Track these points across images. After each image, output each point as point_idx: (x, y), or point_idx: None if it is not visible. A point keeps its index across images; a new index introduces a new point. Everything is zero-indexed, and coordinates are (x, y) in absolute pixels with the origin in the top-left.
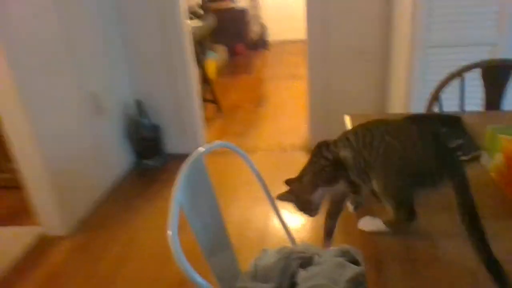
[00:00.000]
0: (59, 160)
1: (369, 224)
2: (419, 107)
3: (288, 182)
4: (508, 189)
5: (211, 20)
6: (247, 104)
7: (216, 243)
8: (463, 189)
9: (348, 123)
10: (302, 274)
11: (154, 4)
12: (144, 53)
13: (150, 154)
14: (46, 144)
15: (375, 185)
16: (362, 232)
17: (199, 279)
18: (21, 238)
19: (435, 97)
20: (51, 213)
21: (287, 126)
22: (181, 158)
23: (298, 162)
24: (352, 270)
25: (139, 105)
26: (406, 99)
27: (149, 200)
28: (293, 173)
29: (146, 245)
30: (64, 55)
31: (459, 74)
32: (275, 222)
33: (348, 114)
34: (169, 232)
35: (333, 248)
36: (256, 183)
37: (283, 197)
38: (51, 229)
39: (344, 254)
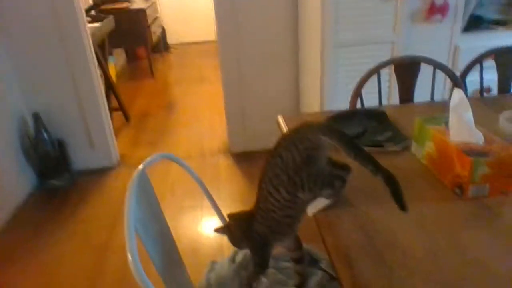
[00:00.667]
0: None
1: (313, 206)
2: (332, 103)
3: (229, 217)
4: (441, 174)
5: (109, 22)
6: (156, 111)
7: (168, 260)
8: (340, 135)
9: (282, 124)
10: (264, 281)
11: (45, 7)
12: (36, 61)
13: (55, 172)
14: None
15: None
16: (324, 230)
17: None
18: None
19: (357, 94)
20: None
21: (203, 130)
22: (92, 173)
23: (219, 166)
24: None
25: (36, 119)
26: (320, 97)
27: (61, 224)
28: (216, 179)
29: (67, 275)
30: None
31: (376, 71)
32: (207, 230)
33: (277, 114)
34: (129, 257)
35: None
36: (178, 193)
37: (219, 231)
38: None
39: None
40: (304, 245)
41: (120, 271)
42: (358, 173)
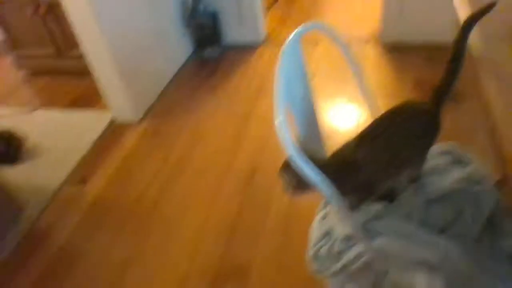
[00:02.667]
0: (123, 45)
1: None
2: None
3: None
4: None
5: None
6: None
7: (312, 133)
8: None
9: (463, 8)
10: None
11: None
12: None
13: (208, 43)
14: (109, 27)
15: None
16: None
17: (308, 168)
18: (95, 122)
19: None
20: (120, 99)
21: (354, 14)
22: (240, 48)
23: (367, 55)
24: (459, 170)
25: None
26: None
27: (212, 91)
28: (362, 67)
29: (213, 134)
30: None
31: None
32: (348, 117)
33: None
34: (277, 121)
35: (434, 147)
36: (321, 75)
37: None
38: (122, 115)
39: (446, 153)
40: (449, 142)
41: (260, 138)
42: None
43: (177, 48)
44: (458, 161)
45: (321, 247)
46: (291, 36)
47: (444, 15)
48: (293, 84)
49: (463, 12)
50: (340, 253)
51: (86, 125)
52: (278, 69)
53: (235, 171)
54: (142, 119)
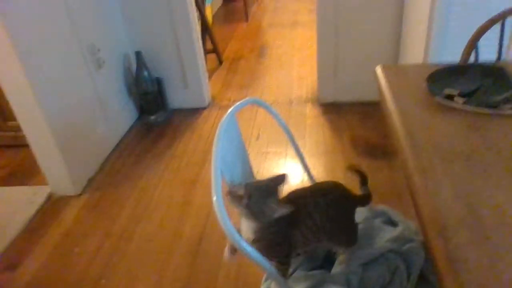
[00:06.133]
0: (62, 116)
1: None
2: (438, 56)
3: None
4: None
5: None
6: (248, 54)
7: None
8: None
9: (380, 76)
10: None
11: None
12: (139, 3)
13: (153, 109)
14: (47, 100)
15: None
16: (419, 197)
17: (247, 246)
18: (31, 197)
19: (473, 45)
20: (59, 172)
21: (292, 77)
22: (185, 112)
23: (306, 115)
24: (390, 231)
25: (138, 57)
26: (425, 47)
27: (157, 157)
28: (302, 127)
29: (159, 202)
30: (58, 6)
31: (501, 18)
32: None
33: (372, 64)
34: (214, 198)
35: (366, 209)
36: (263, 138)
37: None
38: (60, 188)
39: (378, 215)
40: (381, 205)
41: (207, 205)
42: (461, 137)
43: (121, 115)
44: (390, 222)
45: None
46: (227, 113)
47: (372, 76)
48: (231, 158)
49: (381, 79)
50: None
51: (21, 202)
52: (215, 147)
53: (182, 240)
54: (82, 192)
